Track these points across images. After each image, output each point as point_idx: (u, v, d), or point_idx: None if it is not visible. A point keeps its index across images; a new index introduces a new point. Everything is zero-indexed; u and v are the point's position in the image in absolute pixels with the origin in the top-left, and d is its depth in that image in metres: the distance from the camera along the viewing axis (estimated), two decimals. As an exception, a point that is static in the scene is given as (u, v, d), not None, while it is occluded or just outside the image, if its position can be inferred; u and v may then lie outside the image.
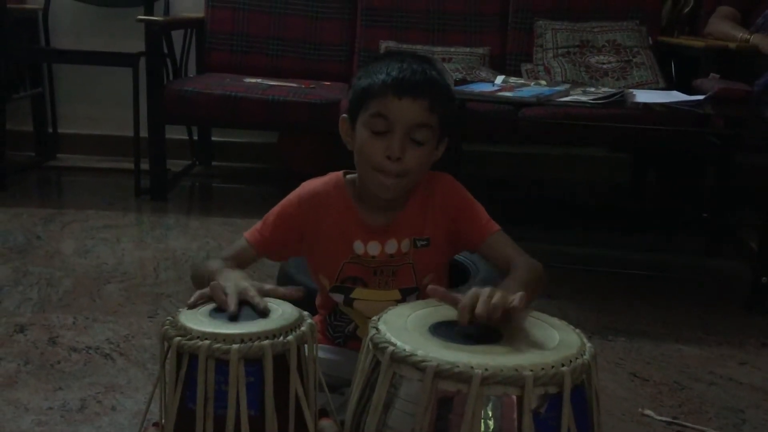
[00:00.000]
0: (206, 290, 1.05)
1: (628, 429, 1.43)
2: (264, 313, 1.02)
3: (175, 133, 3.13)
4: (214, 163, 3.43)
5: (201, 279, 1.17)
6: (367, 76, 1.17)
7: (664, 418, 1.46)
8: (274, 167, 3.23)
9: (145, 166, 2.86)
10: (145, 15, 2.84)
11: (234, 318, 1.01)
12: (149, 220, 2.64)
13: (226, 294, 1.03)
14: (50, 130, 3.39)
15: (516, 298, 0.95)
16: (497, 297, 0.95)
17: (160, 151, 2.83)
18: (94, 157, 3.40)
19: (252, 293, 1.04)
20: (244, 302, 1.04)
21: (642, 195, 3.19)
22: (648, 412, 1.48)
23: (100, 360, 1.60)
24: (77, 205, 2.76)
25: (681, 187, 2.94)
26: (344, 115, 1.23)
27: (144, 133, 2.83)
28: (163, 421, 1.03)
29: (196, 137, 3.37)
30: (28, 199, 2.83)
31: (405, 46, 2.96)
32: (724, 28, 2.63)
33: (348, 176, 1.27)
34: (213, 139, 3.42)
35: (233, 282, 1.06)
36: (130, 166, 2.91)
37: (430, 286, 1.02)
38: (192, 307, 1.05)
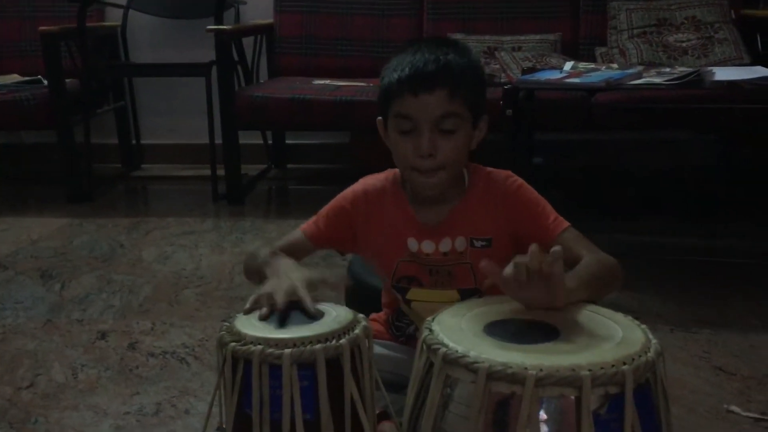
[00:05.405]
0: (257, 296, 1.05)
1: (712, 427, 1.35)
2: (314, 317, 1.01)
3: (251, 137, 3.19)
4: (289, 166, 3.48)
5: (252, 271, 1.17)
6: (385, 76, 1.15)
7: (751, 415, 1.37)
8: (349, 167, 3.24)
9: (222, 172, 2.92)
10: (215, 25, 2.90)
11: (283, 319, 1.01)
12: (226, 225, 2.69)
13: (275, 301, 1.03)
14: (134, 141, 3.52)
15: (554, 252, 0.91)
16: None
17: (235, 157, 2.89)
18: (175, 165, 3.51)
19: (302, 294, 1.03)
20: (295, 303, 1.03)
21: (732, 178, 3.03)
22: (734, 408, 1.39)
23: (175, 364, 1.64)
24: (159, 213, 2.86)
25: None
26: (379, 117, 1.21)
27: (219, 139, 2.90)
28: (224, 425, 1.04)
29: (270, 141, 3.43)
30: (113, 209, 2.95)
31: (473, 37, 2.91)
32: None
33: None
34: (287, 142, 3.47)
35: (283, 282, 1.06)
36: (209, 172, 2.98)
37: (483, 262, 0.96)
38: (247, 313, 1.05)
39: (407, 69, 1.11)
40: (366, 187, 1.25)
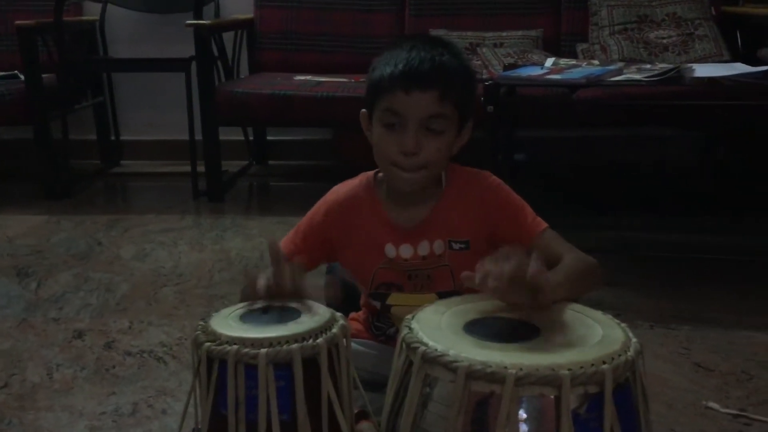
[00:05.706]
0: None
1: (691, 423, 1.35)
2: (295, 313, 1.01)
3: (232, 133, 3.16)
4: (270, 162, 3.46)
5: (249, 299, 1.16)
6: (377, 69, 1.13)
7: (729, 411, 1.37)
8: (331, 164, 3.23)
9: (202, 168, 2.89)
10: (194, 19, 2.87)
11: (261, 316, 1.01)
12: (206, 222, 2.67)
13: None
14: (113, 137, 3.48)
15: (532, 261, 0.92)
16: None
17: (215, 153, 2.86)
18: (156, 162, 3.47)
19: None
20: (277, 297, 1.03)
21: (714, 174, 3.04)
22: (712, 404, 1.39)
23: (153, 363, 1.62)
24: (138, 210, 2.83)
25: (754, 164, 2.79)
26: (363, 109, 1.19)
27: (199, 135, 2.87)
28: (200, 426, 1.02)
29: (251, 137, 3.40)
30: (92, 206, 2.91)
31: (455, 33, 2.91)
32: None
33: (380, 174, 1.23)
34: (269, 138, 3.45)
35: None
36: (189, 169, 2.95)
37: (464, 273, 0.96)
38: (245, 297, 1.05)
39: (401, 65, 1.09)
40: (339, 195, 1.23)
